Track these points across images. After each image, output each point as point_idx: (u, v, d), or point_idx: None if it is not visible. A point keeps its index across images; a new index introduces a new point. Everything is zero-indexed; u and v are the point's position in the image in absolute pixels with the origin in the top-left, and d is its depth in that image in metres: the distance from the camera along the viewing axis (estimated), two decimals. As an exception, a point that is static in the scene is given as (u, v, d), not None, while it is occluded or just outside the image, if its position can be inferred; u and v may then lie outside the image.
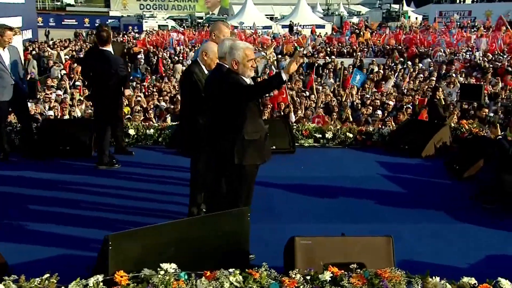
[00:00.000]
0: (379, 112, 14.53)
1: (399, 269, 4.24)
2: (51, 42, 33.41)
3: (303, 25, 46.36)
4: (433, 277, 4.24)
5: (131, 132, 8.85)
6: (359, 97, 17.03)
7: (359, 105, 15.72)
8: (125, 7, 65.31)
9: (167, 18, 58.75)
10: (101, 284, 3.89)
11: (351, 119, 13.85)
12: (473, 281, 4.23)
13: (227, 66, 5.02)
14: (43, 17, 57.88)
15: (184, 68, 21.45)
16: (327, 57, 28.75)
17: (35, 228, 5.76)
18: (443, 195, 7.07)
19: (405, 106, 15.04)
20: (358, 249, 4.50)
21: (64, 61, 24.32)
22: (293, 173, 7.78)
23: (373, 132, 9.23)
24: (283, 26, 46.89)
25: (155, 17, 58.30)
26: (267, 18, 56.68)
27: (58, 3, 71.45)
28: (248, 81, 5.01)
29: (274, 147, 8.38)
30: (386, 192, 7.14)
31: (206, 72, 5.77)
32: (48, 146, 8.23)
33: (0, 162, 7.96)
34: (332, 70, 23.22)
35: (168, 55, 27.99)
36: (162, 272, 3.98)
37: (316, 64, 25.69)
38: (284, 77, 4.79)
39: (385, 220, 6.28)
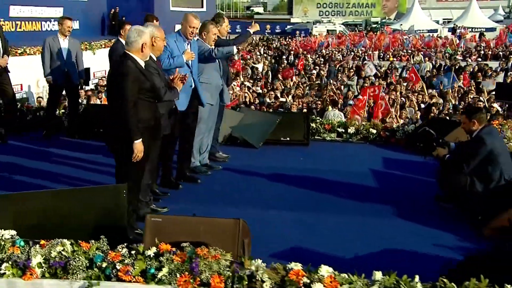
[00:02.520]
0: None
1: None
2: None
3: (471, 28, 43.43)
4: (256, 260, 3.94)
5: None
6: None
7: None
8: (305, 13, 66.39)
9: (342, 23, 58.71)
10: None
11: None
12: (298, 266, 3.85)
13: (132, 56, 4.94)
14: (232, 24, 60.89)
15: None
16: (479, 59, 26.99)
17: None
18: (416, 194, 6.39)
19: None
20: (204, 229, 4.30)
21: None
22: (284, 164, 7.50)
23: (397, 129, 8.55)
24: (449, 30, 44.49)
25: (333, 22, 58.61)
26: (445, 21, 54.39)
27: (249, 12, 75.06)
28: (143, 64, 4.98)
29: (288, 138, 8.25)
30: (358, 186, 6.67)
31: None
32: (87, 129, 8.76)
33: (42, 138, 8.65)
34: (468, 73, 21.70)
35: (316, 56, 28.02)
36: (-1, 237, 4.15)
37: (457, 66, 24.19)
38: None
39: (319, 210, 5.94)
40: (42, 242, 4.12)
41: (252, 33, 7.60)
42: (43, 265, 4.00)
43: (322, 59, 26.84)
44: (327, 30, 50.44)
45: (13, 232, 4.20)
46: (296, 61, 25.96)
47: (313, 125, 8.65)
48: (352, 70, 19.47)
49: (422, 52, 29.04)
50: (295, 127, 8.38)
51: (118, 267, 3.94)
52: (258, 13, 73.22)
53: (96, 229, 4.41)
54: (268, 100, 15.41)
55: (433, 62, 25.23)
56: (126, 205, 4.69)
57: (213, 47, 6.70)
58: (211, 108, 6.84)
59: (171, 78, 5.52)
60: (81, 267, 3.96)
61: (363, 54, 28.65)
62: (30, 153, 7.84)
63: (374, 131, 8.53)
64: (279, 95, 16.18)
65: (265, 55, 29.06)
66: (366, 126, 8.67)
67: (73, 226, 4.44)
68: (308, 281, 3.79)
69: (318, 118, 9.17)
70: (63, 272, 3.98)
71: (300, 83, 18.22)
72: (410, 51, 29.66)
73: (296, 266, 3.90)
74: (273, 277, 3.88)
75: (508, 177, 5.46)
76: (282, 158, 7.79)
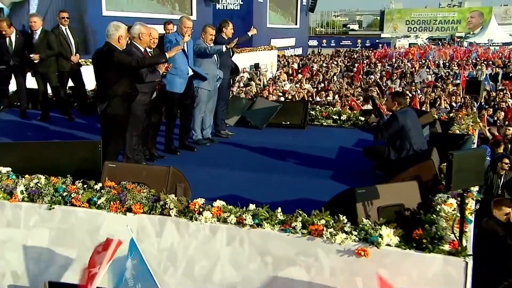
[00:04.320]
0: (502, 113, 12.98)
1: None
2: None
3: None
4: (170, 195, 4.50)
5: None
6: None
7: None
8: (395, 29, 64.90)
9: (427, 38, 56.92)
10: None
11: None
12: (201, 201, 4.39)
13: (113, 44, 5.67)
14: (327, 39, 61.07)
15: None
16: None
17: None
18: (364, 165, 6.48)
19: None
20: (145, 174, 4.92)
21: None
22: (273, 141, 7.87)
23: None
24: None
25: (419, 37, 57.08)
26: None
27: (345, 29, 74.61)
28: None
29: (288, 122, 8.69)
30: (319, 157, 6.99)
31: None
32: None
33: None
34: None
35: (385, 65, 27.69)
36: (-2, 172, 5.01)
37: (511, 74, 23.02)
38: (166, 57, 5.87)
39: (272, 171, 6.43)
40: (26, 176, 4.93)
41: (250, 36, 8.06)
42: (24, 192, 4.80)
43: (390, 68, 26.44)
44: (409, 44, 49.08)
45: (8, 169, 5.04)
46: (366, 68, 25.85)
47: (313, 112, 8.99)
48: (395, 75, 19.28)
49: (485, 62, 27.72)
50: (295, 113, 8.77)
51: (73, 196, 4.68)
52: (353, 30, 72.55)
53: (75, 172, 5.05)
54: (318, 98, 15.75)
55: (491, 70, 24.10)
56: (101, 156, 5.34)
57: (209, 45, 7.29)
58: (209, 93, 7.46)
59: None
60: (48, 194, 4.73)
61: (428, 62, 27.87)
62: (88, 128, 8.76)
63: (363, 118, 8.72)
64: (331, 94, 16.43)
65: (340, 63, 29.06)
66: (356, 114, 8.89)
67: (57, 169, 5.09)
68: (201, 209, 4.33)
69: (317, 106, 9.48)
70: (37, 198, 4.77)
71: (353, 86, 18.33)
72: (474, 61, 28.44)
73: (200, 201, 4.45)
74: (178, 206, 4.45)
75: (418, 148, 5.65)
76: (276, 136, 8.19)
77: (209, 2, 30.41)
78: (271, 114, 8.70)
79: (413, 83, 18.41)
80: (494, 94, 15.74)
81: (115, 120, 5.70)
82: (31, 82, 9.60)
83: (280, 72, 22.81)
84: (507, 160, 8.34)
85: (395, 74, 19.29)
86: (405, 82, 19.70)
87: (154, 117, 6.70)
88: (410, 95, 15.91)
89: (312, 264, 3.99)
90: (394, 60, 29.32)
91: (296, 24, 43.33)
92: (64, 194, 4.71)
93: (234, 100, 8.93)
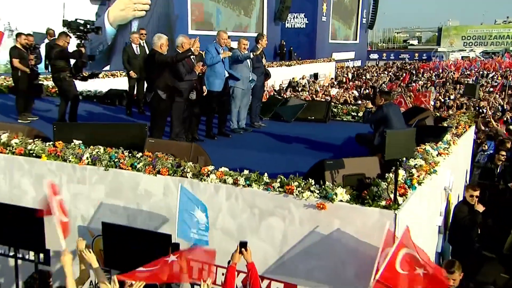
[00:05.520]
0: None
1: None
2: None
3: None
4: (188, 162, 5.26)
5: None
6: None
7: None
8: (451, 44, 62.49)
9: (481, 52, 54.44)
10: (46, 144, 6.04)
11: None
12: (212, 167, 5.10)
13: (156, 50, 6.56)
14: (387, 53, 59.95)
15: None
16: None
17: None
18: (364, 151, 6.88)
19: None
20: (174, 148, 5.67)
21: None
22: (297, 131, 8.36)
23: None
24: None
25: (473, 51, 54.80)
26: None
27: (405, 44, 72.75)
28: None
29: (313, 117, 9.22)
30: (327, 144, 7.46)
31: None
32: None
33: None
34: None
35: (430, 74, 27.19)
36: (72, 144, 5.99)
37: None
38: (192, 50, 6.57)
39: (283, 153, 6.94)
40: (91, 147, 5.85)
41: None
42: (88, 158, 5.73)
43: (436, 77, 25.95)
44: (461, 57, 47.24)
45: (80, 141, 5.96)
46: (414, 77, 25.53)
47: (335, 110, 9.45)
48: (429, 82, 19.03)
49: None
50: (319, 110, 9.28)
51: (121, 161, 5.55)
52: (412, 45, 70.53)
53: (128, 146, 5.77)
54: (360, 102, 16.04)
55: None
56: (147, 135, 6.07)
57: (241, 53, 7.99)
58: (243, 91, 8.17)
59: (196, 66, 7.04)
60: (105, 160, 5.63)
61: (475, 73, 27.02)
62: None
63: (376, 114, 9.04)
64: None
65: (390, 74, 28.81)
66: (372, 110, 9.18)
67: (113, 143, 5.80)
68: (209, 173, 5.04)
69: (339, 104, 9.89)
70: (97, 162, 5.68)
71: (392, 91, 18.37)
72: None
73: (210, 167, 5.15)
74: (193, 170, 5.18)
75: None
76: (300, 128, 8.70)
77: (278, 22, 31.22)
78: (298, 110, 9.28)
79: (451, 90, 18.15)
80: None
81: (159, 106, 6.56)
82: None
83: (330, 80, 23.15)
84: (503, 153, 8.44)
85: (429, 82, 19.05)
86: (444, 90, 19.44)
87: (196, 109, 7.51)
88: (443, 99, 15.81)
89: (286, 215, 4.59)
90: (440, 70, 28.62)
91: (356, 40, 43.30)
92: (115, 160, 5.57)
93: (271, 99, 9.57)
